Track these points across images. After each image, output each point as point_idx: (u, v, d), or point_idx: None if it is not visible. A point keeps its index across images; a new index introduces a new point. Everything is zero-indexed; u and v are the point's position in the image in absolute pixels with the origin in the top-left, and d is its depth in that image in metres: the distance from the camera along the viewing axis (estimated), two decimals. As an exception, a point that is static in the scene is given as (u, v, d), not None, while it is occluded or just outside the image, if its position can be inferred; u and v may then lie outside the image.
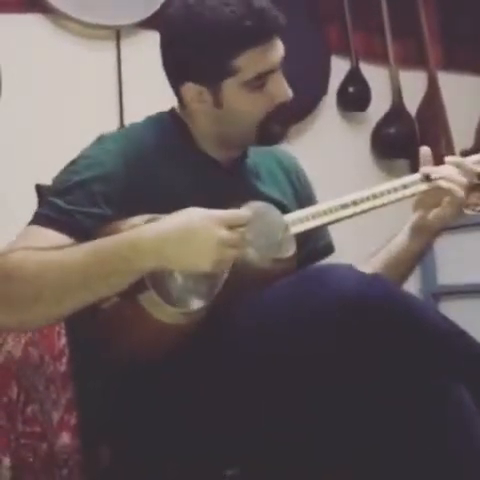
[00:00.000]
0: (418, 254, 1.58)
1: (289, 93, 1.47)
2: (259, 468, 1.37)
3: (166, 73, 1.49)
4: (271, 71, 1.44)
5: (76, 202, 1.36)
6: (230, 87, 1.43)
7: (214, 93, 1.44)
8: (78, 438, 1.60)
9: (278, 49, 1.44)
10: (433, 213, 1.52)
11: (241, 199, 1.42)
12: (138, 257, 1.25)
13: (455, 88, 3.27)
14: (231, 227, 1.27)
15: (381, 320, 1.26)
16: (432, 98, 3.23)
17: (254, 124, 1.47)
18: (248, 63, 1.41)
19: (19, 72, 2.41)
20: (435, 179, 1.51)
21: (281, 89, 1.46)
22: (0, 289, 1.28)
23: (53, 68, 2.54)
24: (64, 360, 1.67)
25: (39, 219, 1.37)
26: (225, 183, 1.49)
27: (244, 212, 1.32)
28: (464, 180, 1.51)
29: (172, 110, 1.54)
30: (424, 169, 1.54)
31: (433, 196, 1.52)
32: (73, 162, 1.43)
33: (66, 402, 1.65)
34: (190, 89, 1.45)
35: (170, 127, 1.51)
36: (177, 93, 1.49)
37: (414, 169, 3.35)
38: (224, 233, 1.26)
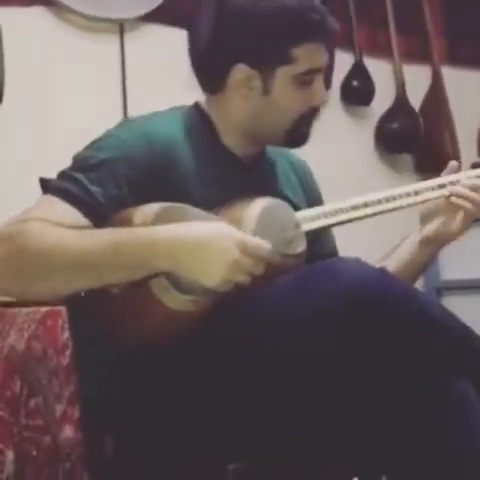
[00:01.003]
0: (426, 262, 1.61)
1: (326, 97, 1.49)
2: (261, 462, 1.38)
3: (214, 52, 1.49)
4: (318, 71, 1.47)
5: (99, 181, 1.35)
6: (282, 75, 1.45)
7: (265, 79, 1.45)
8: (81, 431, 1.60)
9: (326, 53, 1.48)
10: (442, 227, 1.54)
11: (258, 195, 1.42)
12: (154, 257, 1.27)
13: (459, 83, 3.26)
14: (248, 254, 1.28)
15: (385, 317, 1.25)
16: (436, 93, 3.23)
17: (289, 122, 1.48)
18: (305, 55, 1.44)
19: (22, 65, 2.40)
20: (450, 194, 1.51)
21: (321, 91, 1.48)
22: (14, 259, 1.28)
23: (56, 61, 2.53)
24: (67, 353, 1.67)
25: (59, 192, 1.35)
26: (243, 179, 1.49)
27: (265, 243, 1.31)
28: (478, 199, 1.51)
29: (196, 104, 1.54)
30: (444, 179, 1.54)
31: (444, 210, 1.53)
32: (98, 140, 1.43)
33: (69, 395, 1.65)
34: (241, 71, 1.45)
35: (194, 119, 1.51)
36: (221, 76, 1.48)
37: (417, 164, 3.36)
38: (241, 258, 1.27)
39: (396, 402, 1.25)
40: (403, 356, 1.26)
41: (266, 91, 1.46)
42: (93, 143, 1.42)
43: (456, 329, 1.30)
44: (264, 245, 1.30)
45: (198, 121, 1.51)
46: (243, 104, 1.48)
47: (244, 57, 1.45)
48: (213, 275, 1.27)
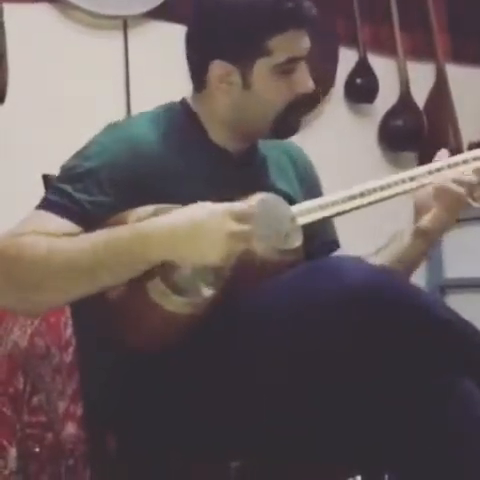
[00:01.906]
0: (420, 256, 1.58)
1: (312, 85, 1.47)
2: (262, 461, 1.37)
3: (193, 50, 1.49)
4: (300, 59, 1.45)
5: (86, 190, 1.36)
6: (261, 68, 1.43)
7: (244, 73, 1.44)
8: (84, 428, 1.61)
9: (307, 39, 1.46)
10: (438, 217, 1.52)
11: (250, 191, 1.42)
12: (148, 250, 1.25)
13: (463, 80, 3.26)
14: (239, 220, 1.26)
15: (386, 316, 1.25)
16: (440, 90, 3.22)
17: (274, 114, 1.47)
18: (282, 45, 1.43)
19: (26, 62, 2.41)
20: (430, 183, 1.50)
21: (305, 79, 1.47)
22: (9, 271, 1.28)
23: (60, 58, 2.54)
24: (70, 350, 1.67)
25: (48, 205, 1.37)
26: (235, 174, 1.48)
27: (251, 204, 1.31)
28: (460, 191, 1.48)
29: (183, 100, 1.54)
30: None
31: (435, 198, 1.51)
32: (84, 148, 1.43)
33: (72, 392, 1.65)
34: (219, 67, 1.45)
35: (181, 117, 1.51)
36: (200, 73, 1.48)
37: (421, 161, 3.35)
38: (234, 226, 1.25)
39: (397, 402, 1.25)
40: (404, 356, 1.25)
41: (246, 85, 1.45)
42: (79, 152, 1.43)
43: (459, 328, 1.30)
44: (248, 207, 1.29)
45: (185, 118, 1.50)
46: (225, 99, 1.47)
47: (220, 53, 1.44)
48: (215, 251, 1.24)
